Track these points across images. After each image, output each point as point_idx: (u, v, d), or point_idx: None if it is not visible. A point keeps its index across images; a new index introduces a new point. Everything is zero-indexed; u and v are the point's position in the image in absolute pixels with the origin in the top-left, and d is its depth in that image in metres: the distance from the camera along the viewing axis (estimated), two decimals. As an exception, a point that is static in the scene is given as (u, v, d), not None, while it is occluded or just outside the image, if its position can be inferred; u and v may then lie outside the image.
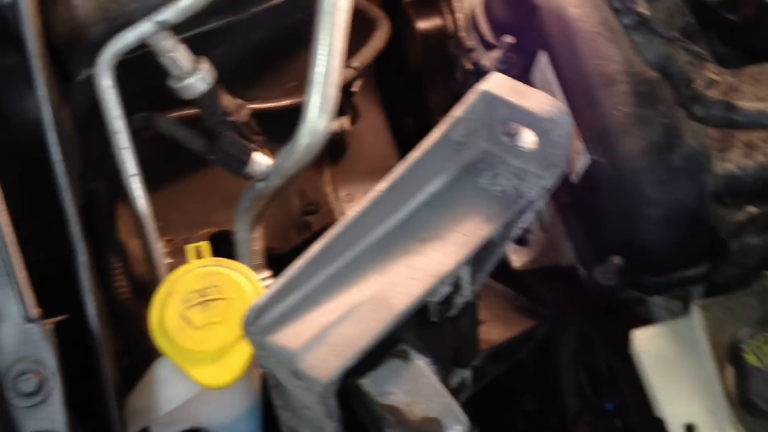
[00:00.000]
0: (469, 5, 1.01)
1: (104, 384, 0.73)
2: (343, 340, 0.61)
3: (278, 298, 0.64)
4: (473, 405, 1.14)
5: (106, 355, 0.73)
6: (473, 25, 1.00)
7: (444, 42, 1.18)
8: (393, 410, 0.63)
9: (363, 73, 1.13)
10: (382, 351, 0.64)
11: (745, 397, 0.72)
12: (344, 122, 1.24)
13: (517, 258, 0.98)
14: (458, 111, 0.69)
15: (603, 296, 0.86)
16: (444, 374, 0.73)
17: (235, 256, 0.90)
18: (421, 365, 0.65)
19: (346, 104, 1.23)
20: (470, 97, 0.69)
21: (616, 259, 0.82)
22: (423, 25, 1.22)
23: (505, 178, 0.70)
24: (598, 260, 0.84)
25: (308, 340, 0.61)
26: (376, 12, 1.21)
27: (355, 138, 1.27)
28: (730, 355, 0.75)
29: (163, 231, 0.94)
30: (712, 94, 0.77)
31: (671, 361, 0.79)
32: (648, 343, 0.80)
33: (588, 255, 0.87)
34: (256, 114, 0.93)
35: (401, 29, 1.26)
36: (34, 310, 0.65)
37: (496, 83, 0.69)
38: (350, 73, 1.12)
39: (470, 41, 1.02)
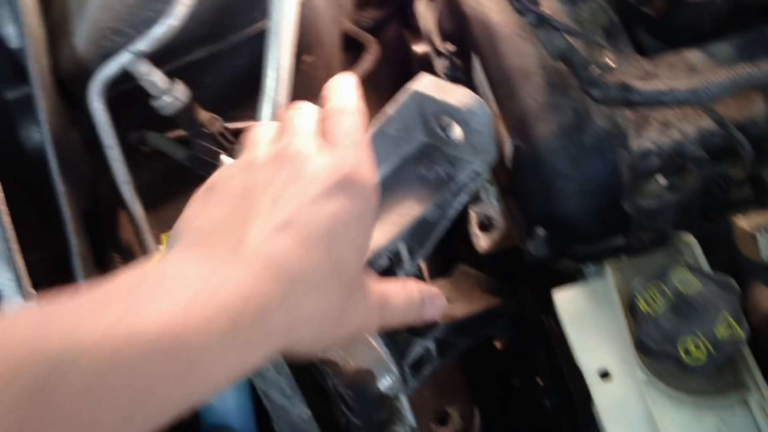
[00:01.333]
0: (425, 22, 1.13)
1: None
2: None
3: None
4: (472, 388, 1.25)
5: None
6: (427, 38, 1.12)
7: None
8: (330, 364, 0.73)
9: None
10: None
11: (640, 341, 0.81)
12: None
13: (481, 243, 1.08)
14: (390, 109, 0.79)
15: (541, 267, 0.96)
16: (393, 339, 0.82)
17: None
18: None
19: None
20: (401, 96, 0.79)
21: (540, 231, 0.92)
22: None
23: (440, 165, 0.80)
24: (529, 235, 0.94)
25: None
26: (367, 37, 1.35)
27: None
28: (629, 306, 0.83)
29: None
30: (609, 77, 0.86)
31: (588, 317, 0.88)
32: (567, 302, 0.89)
33: (522, 231, 0.97)
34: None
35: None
36: (29, 290, 0.81)
37: (424, 82, 0.78)
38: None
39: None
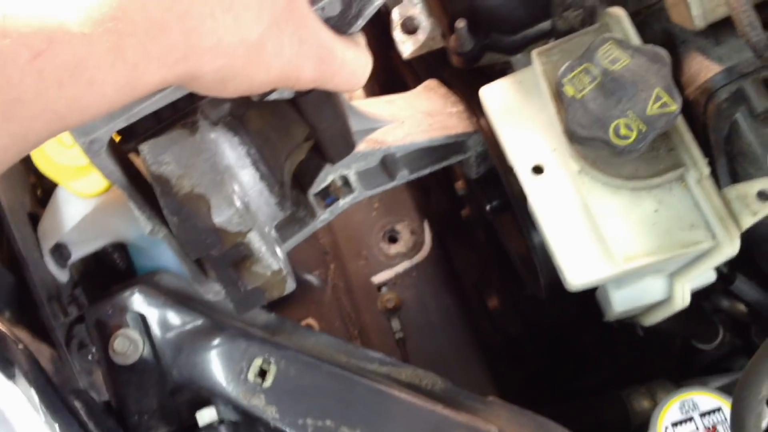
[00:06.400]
0: None
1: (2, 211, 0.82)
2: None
3: None
4: (420, 203, 1.21)
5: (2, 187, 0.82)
6: None
7: None
8: (161, 180, 0.61)
9: None
10: (173, 118, 0.62)
11: (568, 127, 0.76)
12: None
13: (405, 47, 1.00)
14: None
15: (468, 63, 0.89)
16: (282, 161, 0.71)
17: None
18: (208, 139, 0.63)
19: None
20: None
21: (460, 23, 0.84)
22: None
23: None
24: (451, 29, 0.87)
25: None
26: None
27: None
28: (557, 94, 0.77)
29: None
30: None
31: (517, 111, 0.82)
32: (495, 97, 0.83)
33: (445, 27, 0.90)
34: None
35: None
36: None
37: None
38: None
39: None
